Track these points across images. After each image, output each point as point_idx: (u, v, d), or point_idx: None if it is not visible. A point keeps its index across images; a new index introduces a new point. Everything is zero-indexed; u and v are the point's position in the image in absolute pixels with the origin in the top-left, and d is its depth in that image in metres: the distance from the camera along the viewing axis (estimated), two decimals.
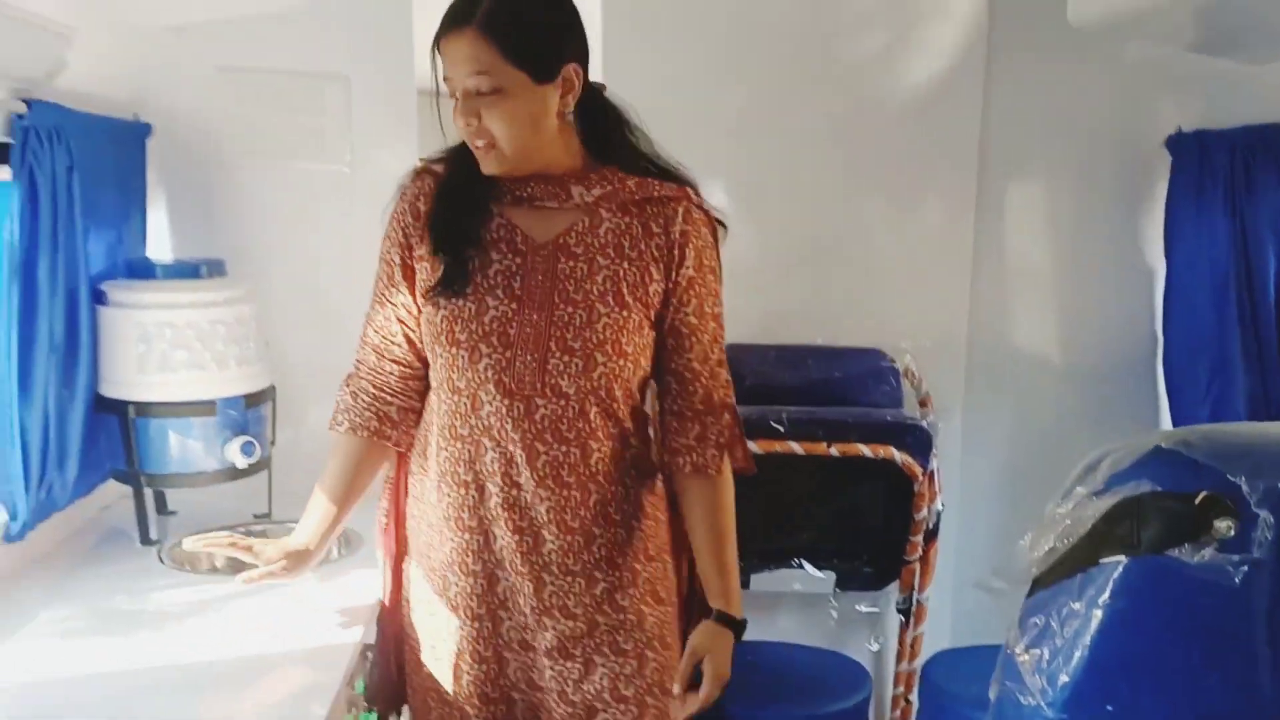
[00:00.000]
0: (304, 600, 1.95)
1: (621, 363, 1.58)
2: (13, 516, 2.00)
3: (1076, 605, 1.38)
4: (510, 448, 1.58)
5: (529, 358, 1.55)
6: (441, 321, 1.58)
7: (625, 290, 1.57)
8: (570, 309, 1.56)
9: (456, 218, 1.59)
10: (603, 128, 1.61)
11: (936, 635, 2.85)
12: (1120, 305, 2.93)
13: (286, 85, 2.53)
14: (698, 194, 1.64)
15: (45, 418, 2.02)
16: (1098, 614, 1.32)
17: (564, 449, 1.58)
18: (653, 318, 1.61)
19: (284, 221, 2.58)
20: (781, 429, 2.59)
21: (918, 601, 2.69)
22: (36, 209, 1.94)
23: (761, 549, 2.66)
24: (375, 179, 2.56)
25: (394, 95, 2.58)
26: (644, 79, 2.85)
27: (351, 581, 2.08)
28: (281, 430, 2.53)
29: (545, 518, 1.60)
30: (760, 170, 2.91)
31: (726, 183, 2.70)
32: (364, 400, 1.70)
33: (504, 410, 1.56)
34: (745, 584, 2.60)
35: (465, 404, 1.58)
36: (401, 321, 1.66)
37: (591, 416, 1.58)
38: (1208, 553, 1.27)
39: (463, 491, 1.62)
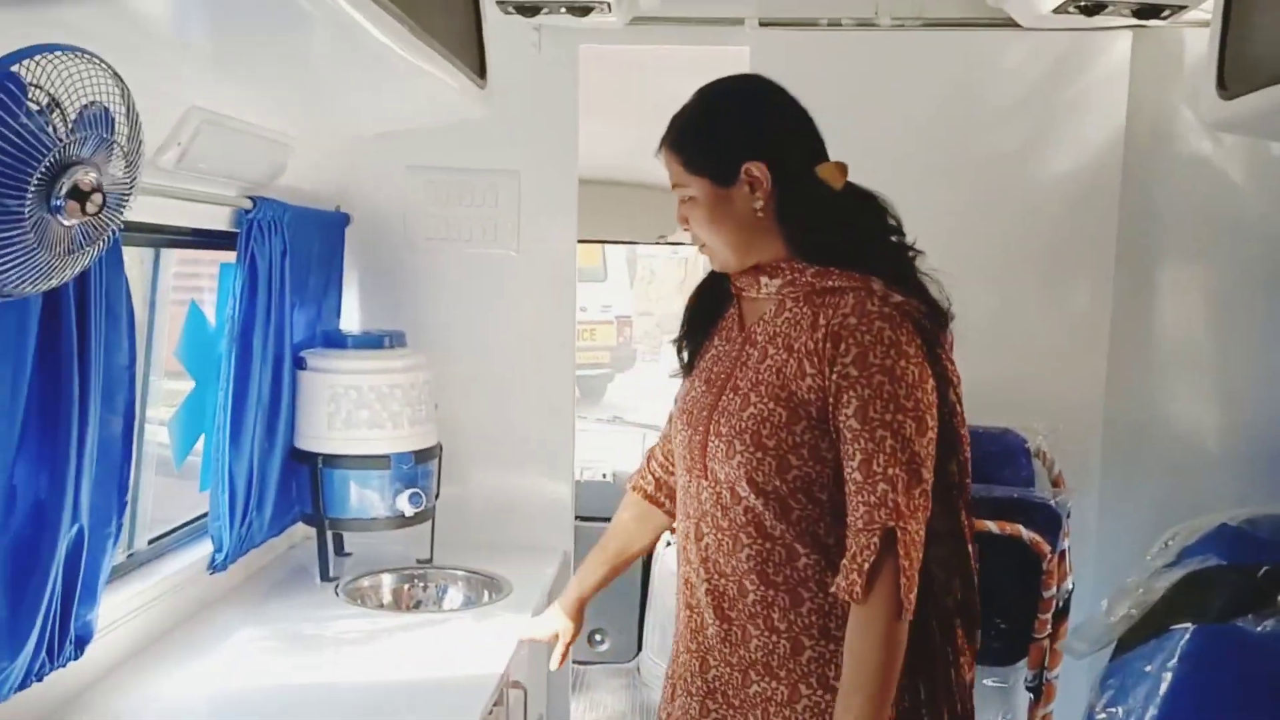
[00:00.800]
0: (458, 635, 2.19)
1: (760, 456, 1.48)
2: (218, 549, 2.33)
3: (1148, 668, 1.47)
4: (687, 523, 1.60)
5: (696, 438, 1.57)
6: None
7: (779, 382, 1.49)
8: (732, 395, 1.53)
9: (699, 308, 1.69)
10: (795, 216, 1.53)
11: (1070, 711, 2.85)
12: (1267, 389, 2.91)
13: (466, 180, 2.86)
14: (888, 285, 1.48)
15: (250, 466, 2.36)
16: (1167, 676, 1.41)
17: (718, 536, 1.54)
18: (814, 415, 1.47)
19: (459, 298, 2.90)
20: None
21: (1046, 680, 2.71)
22: (255, 288, 2.30)
23: None
24: (540, 260, 2.89)
25: (558, 187, 2.87)
26: None
27: (499, 624, 2.31)
28: (445, 485, 2.82)
29: (705, 600, 1.57)
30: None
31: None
32: (651, 464, 1.85)
33: (685, 485, 1.61)
34: None
35: (677, 473, 1.65)
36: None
37: (740, 510, 1.51)
38: (1270, 623, 1.35)
39: (680, 552, 1.63)
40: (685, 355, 1.68)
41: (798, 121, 1.56)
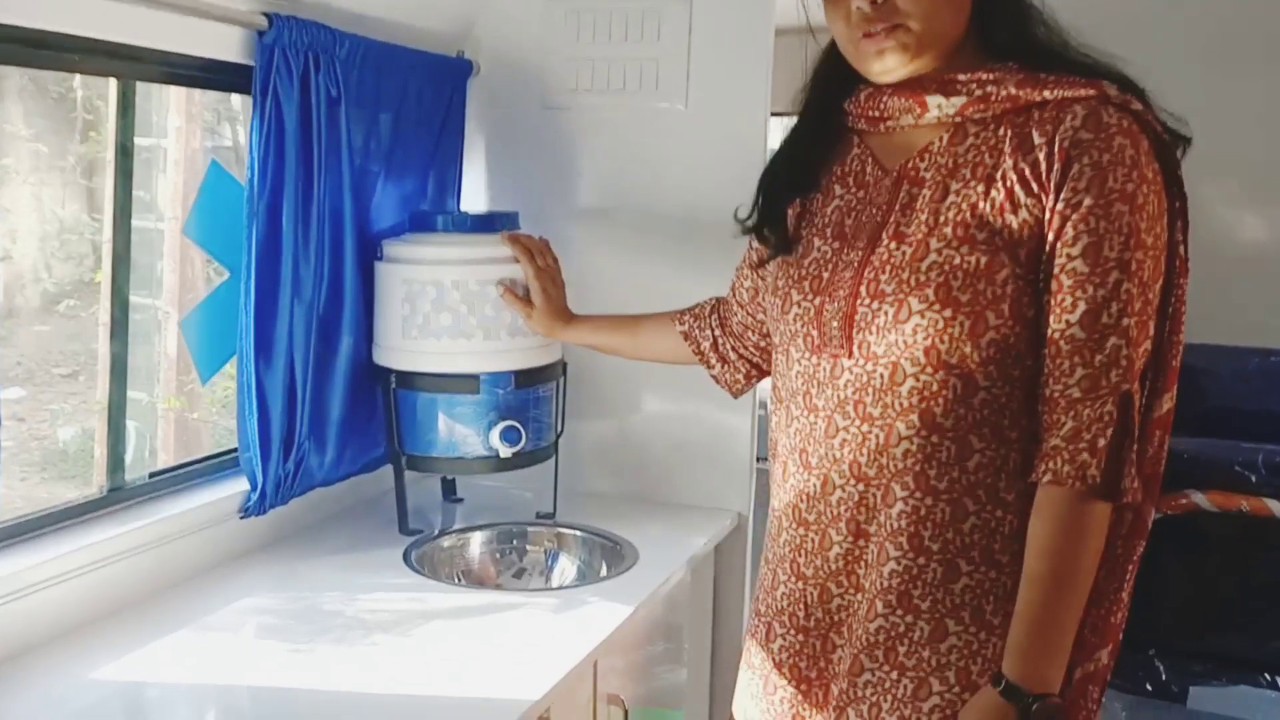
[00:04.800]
0: (528, 628, 1.56)
1: (950, 315, 1.18)
2: (253, 488, 1.80)
3: None
4: (809, 417, 1.29)
5: (835, 306, 1.25)
6: (772, 271, 1.38)
7: (975, 221, 1.20)
8: (896, 245, 1.23)
9: (794, 160, 1.37)
10: (993, 12, 1.23)
11: None
12: None
13: (618, 8, 2.14)
14: (1124, 92, 1.19)
15: (289, 382, 1.80)
16: None
17: (864, 429, 1.23)
18: (1023, 259, 1.18)
19: (607, 169, 2.20)
20: (1253, 477, 1.73)
21: None
22: (281, 145, 1.71)
23: (1208, 650, 1.80)
24: (716, 120, 2.12)
25: (746, 20, 2.08)
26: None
27: (591, 614, 1.64)
28: (581, 418, 2.16)
29: (835, 510, 1.26)
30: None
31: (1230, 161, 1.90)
32: (705, 308, 1.64)
33: (805, 370, 1.29)
34: (1179, 697, 1.78)
35: (781, 361, 1.35)
36: (753, 267, 1.50)
37: (905, 392, 1.20)
38: None
39: (780, 470, 1.34)
40: (771, 230, 1.36)
41: None
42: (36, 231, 4.23)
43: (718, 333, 1.60)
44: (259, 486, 1.80)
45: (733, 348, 1.58)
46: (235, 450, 1.84)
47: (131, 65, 1.59)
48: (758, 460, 2.14)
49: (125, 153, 1.64)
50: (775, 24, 2.07)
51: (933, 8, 1.20)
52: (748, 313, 1.54)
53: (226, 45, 1.65)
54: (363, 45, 1.85)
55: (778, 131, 2.25)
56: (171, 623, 1.57)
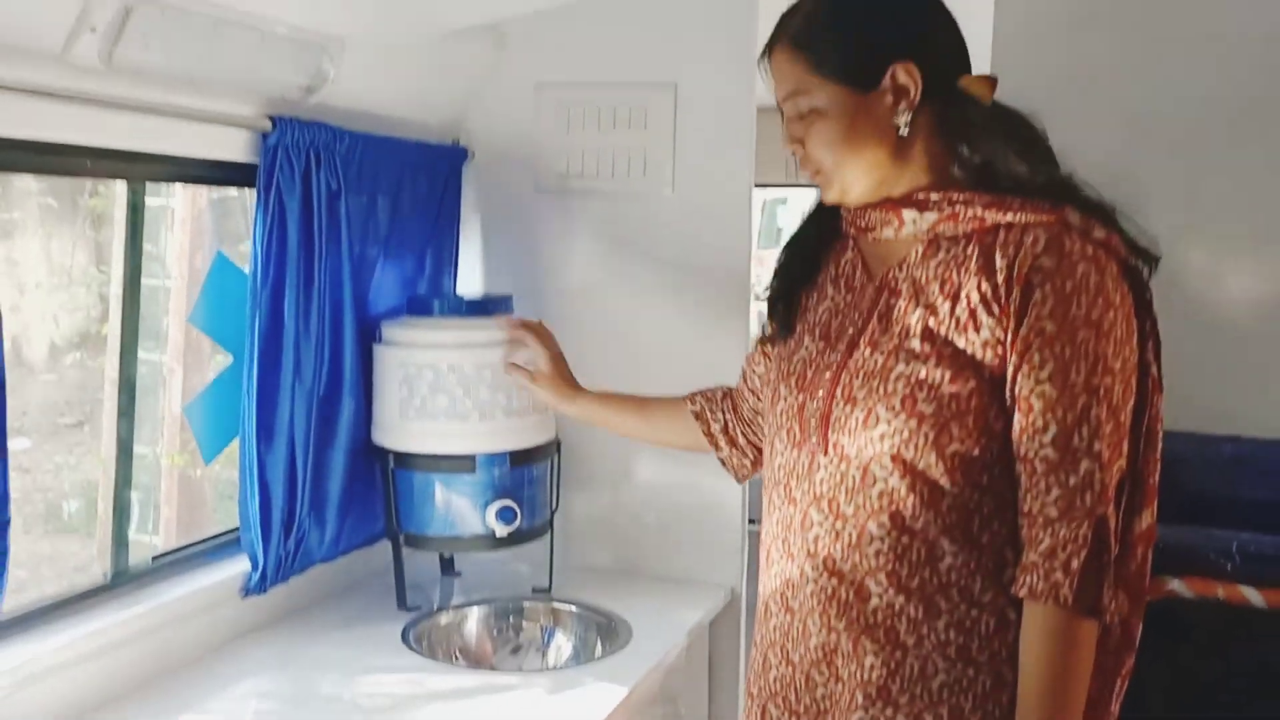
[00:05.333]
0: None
1: (914, 425, 1.22)
2: (254, 567, 1.85)
3: None
4: (789, 508, 1.34)
5: (815, 404, 1.30)
6: (771, 363, 1.44)
7: (941, 337, 1.24)
8: (870, 352, 1.28)
9: (799, 254, 1.43)
10: (961, 135, 1.27)
11: None
12: None
13: (606, 98, 2.21)
14: (1088, 216, 1.23)
15: (291, 462, 1.85)
16: None
17: (837, 525, 1.27)
18: (987, 377, 1.22)
19: (596, 253, 2.26)
20: (1229, 565, 1.77)
21: None
22: (284, 237, 1.78)
23: None
24: (702, 203, 2.19)
25: (729, 105, 2.15)
26: (1062, 73, 2.19)
27: (587, 695, 1.68)
28: (579, 490, 2.21)
29: (810, 603, 1.30)
30: (1234, 196, 2.09)
31: (1186, 212, 1.96)
32: (717, 393, 1.66)
33: (786, 463, 1.34)
34: None
35: (769, 451, 1.40)
36: (765, 354, 1.52)
37: (874, 494, 1.25)
38: None
39: (765, 555, 1.38)
40: (782, 311, 1.41)
41: (948, 18, 1.30)
42: (45, 284, 4.30)
43: (729, 416, 1.62)
44: (260, 566, 1.85)
45: (742, 433, 1.61)
46: (236, 530, 1.89)
47: (141, 167, 1.65)
48: (750, 522, 2.17)
49: (135, 250, 1.70)
50: (757, 103, 2.14)
51: (838, 158, 1.28)
52: (759, 398, 1.55)
53: (233, 147, 1.72)
54: (362, 140, 1.92)
55: (761, 202, 2.33)
56: (173, 708, 1.61)
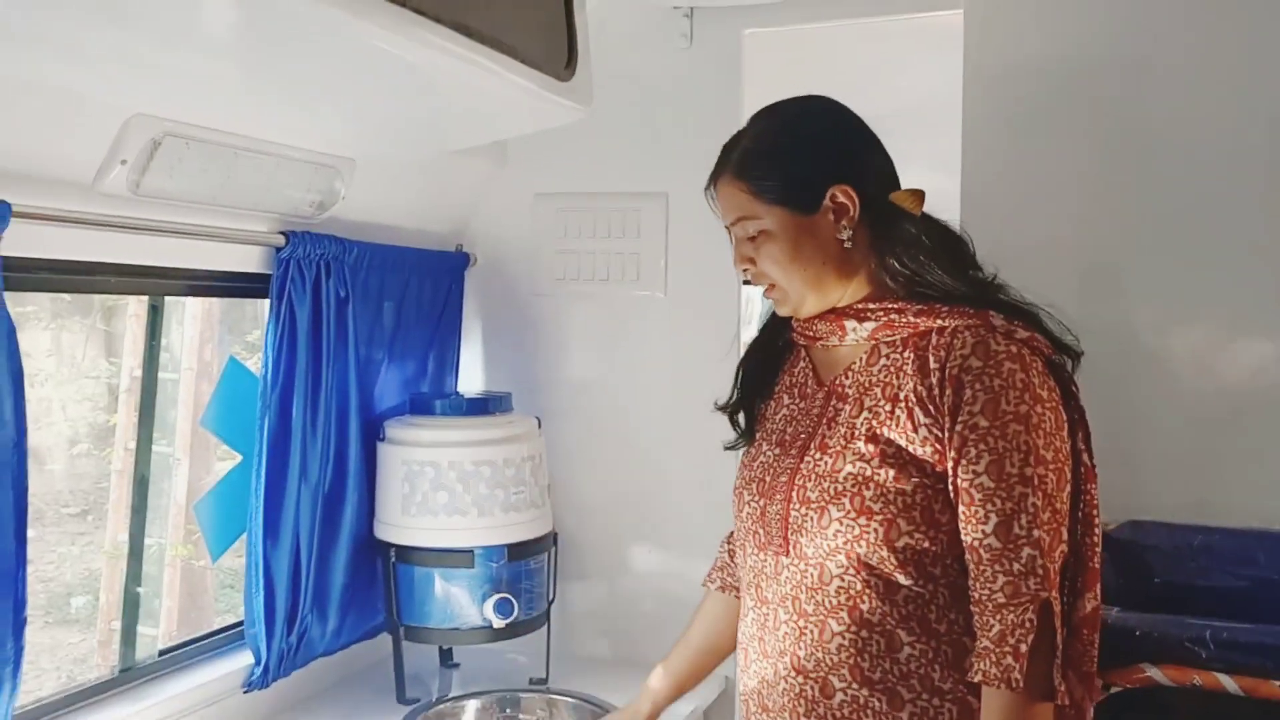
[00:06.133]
0: None
1: (864, 523, 1.30)
2: (257, 661, 1.91)
3: None
4: (760, 609, 1.41)
5: (775, 509, 1.38)
6: (738, 470, 1.50)
7: (884, 437, 1.32)
8: (820, 455, 1.36)
9: (755, 366, 1.54)
10: (891, 249, 1.37)
11: None
12: None
13: (601, 207, 2.34)
14: (1011, 319, 1.32)
15: (295, 558, 1.93)
16: None
17: (800, 624, 1.35)
18: (929, 473, 1.30)
19: (593, 353, 2.37)
20: (1203, 653, 1.82)
21: None
22: (294, 343, 1.88)
23: None
24: (693, 304, 2.29)
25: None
26: (1034, 179, 2.29)
27: None
28: (576, 581, 2.28)
29: (781, 701, 1.37)
30: (1188, 294, 2.17)
31: (1148, 312, 2.04)
32: (723, 553, 1.65)
33: (756, 565, 1.42)
34: None
35: (740, 555, 1.47)
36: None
37: (831, 591, 1.32)
38: None
39: (744, 655, 1.45)
40: (743, 420, 1.52)
41: (875, 141, 1.42)
42: (55, 375, 4.40)
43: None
44: (263, 661, 1.91)
45: None
46: (240, 624, 1.95)
47: (160, 283, 1.76)
48: None
49: (153, 353, 1.80)
50: None
51: (788, 273, 1.38)
52: None
53: (247, 260, 1.82)
54: (369, 250, 2.03)
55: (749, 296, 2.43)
56: None
